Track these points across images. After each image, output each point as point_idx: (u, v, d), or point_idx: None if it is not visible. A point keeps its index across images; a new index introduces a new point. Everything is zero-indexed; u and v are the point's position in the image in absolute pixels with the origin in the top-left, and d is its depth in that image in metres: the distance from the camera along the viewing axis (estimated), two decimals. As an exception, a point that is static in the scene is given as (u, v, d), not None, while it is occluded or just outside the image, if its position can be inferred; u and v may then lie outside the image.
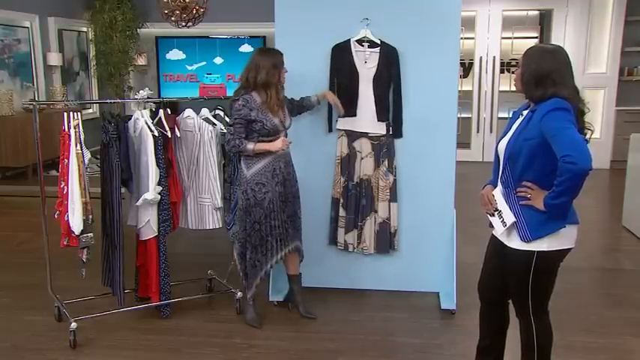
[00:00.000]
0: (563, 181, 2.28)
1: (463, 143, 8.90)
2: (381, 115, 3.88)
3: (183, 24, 7.90)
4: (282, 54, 3.51)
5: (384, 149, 3.92)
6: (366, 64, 3.84)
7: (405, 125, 3.91)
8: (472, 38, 9.13)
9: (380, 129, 3.89)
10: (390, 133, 3.90)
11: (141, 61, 9.86)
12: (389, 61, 3.83)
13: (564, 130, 2.29)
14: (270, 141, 3.49)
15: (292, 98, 3.76)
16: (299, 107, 3.80)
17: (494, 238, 2.67)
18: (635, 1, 8.40)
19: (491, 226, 2.64)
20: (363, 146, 3.94)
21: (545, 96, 2.38)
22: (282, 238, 3.58)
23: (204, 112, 3.83)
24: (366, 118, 3.90)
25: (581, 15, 8.58)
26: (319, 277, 4.00)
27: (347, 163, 3.96)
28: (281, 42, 3.78)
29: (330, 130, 3.96)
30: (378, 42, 3.81)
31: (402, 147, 3.94)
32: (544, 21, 9.54)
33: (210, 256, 4.76)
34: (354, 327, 3.68)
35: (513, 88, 2.69)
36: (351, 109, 3.90)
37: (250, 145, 3.45)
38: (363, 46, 3.84)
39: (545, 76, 2.39)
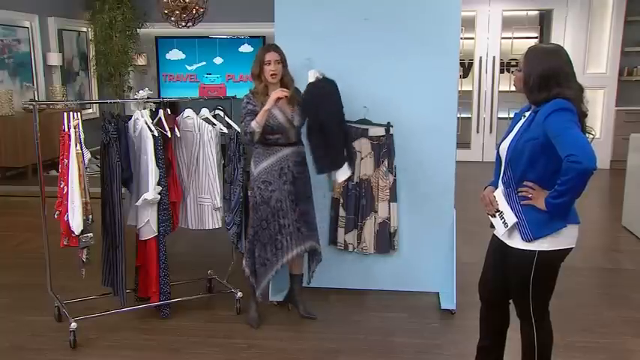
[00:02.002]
0: (567, 181, 2.27)
1: (463, 143, 8.91)
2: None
3: (183, 24, 7.89)
4: (269, 49, 3.49)
5: (383, 149, 3.92)
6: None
7: (405, 125, 3.91)
8: (472, 38, 9.14)
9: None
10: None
11: (141, 61, 9.85)
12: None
13: (568, 130, 2.28)
14: (278, 138, 3.51)
15: None
16: None
17: (495, 238, 2.67)
18: (635, 1, 8.40)
19: (492, 227, 2.63)
20: (363, 146, 3.94)
21: (549, 97, 2.36)
22: (294, 238, 3.58)
23: (204, 112, 3.83)
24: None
25: (581, 15, 8.58)
26: (319, 277, 3.98)
27: (347, 163, 3.96)
28: (281, 42, 3.77)
29: None
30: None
31: (402, 147, 3.94)
32: (544, 21, 9.54)
33: (210, 256, 4.76)
34: (354, 327, 3.68)
35: (513, 88, 2.67)
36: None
37: (252, 123, 3.42)
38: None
39: (550, 78, 2.37)
